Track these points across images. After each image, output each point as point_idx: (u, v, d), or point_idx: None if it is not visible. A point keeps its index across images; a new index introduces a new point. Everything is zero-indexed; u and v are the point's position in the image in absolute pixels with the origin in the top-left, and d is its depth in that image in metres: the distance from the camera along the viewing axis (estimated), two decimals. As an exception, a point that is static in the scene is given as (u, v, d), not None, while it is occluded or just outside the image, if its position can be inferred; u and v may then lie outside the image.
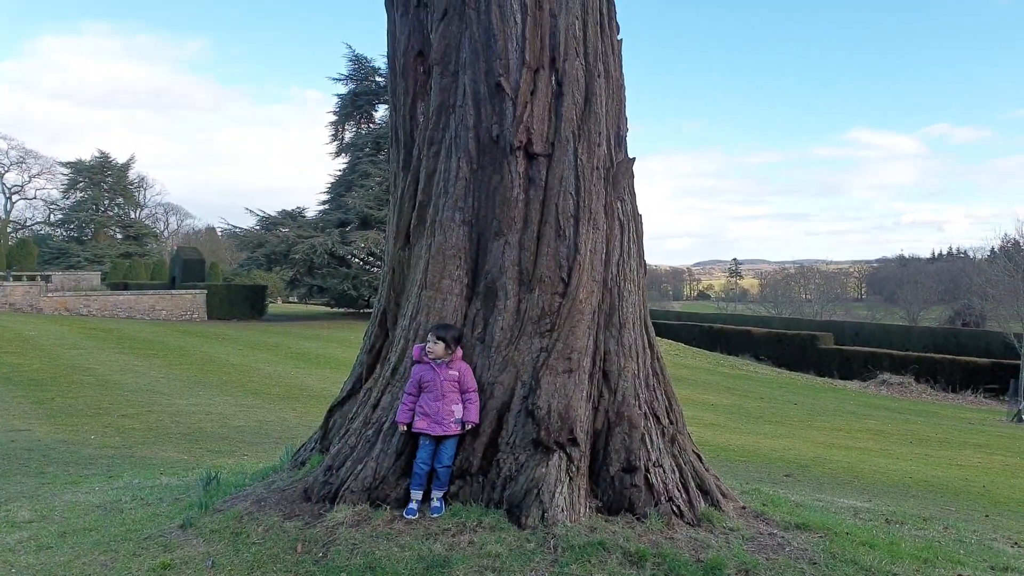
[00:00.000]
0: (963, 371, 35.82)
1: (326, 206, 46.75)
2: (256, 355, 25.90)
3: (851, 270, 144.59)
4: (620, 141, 5.94)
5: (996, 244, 52.72)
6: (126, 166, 74.20)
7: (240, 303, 44.27)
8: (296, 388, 19.02)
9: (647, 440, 5.33)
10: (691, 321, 59.12)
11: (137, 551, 4.85)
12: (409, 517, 4.93)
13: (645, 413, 5.43)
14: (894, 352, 40.52)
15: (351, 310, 46.34)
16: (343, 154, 47.00)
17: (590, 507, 5.13)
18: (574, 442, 5.09)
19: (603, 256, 5.55)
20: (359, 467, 5.21)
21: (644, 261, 5.98)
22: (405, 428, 5.14)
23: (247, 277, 50.87)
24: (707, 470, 5.77)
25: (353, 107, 46.21)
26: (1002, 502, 10.23)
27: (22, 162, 74.49)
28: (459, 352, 5.24)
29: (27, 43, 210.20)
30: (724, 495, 5.69)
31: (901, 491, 10.45)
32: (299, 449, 6.41)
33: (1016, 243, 46.18)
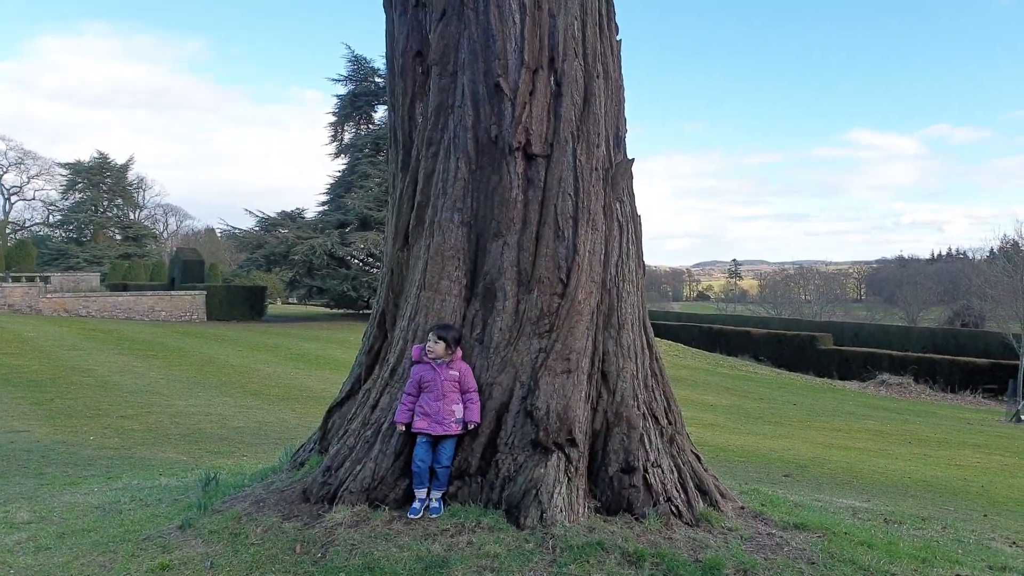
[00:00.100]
0: (962, 371, 35.83)
1: (325, 207, 46.77)
2: (255, 356, 25.90)
3: (850, 271, 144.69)
4: (619, 142, 5.94)
5: (995, 245, 52.84)
6: (125, 167, 74.16)
7: (239, 304, 44.26)
8: (295, 389, 19.02)
9: (646, 440, 5.33)
10: (690, 322, 59.15)
11: (136, 552, 4.85)
12: (413, 516, 4.93)
13: (644, 414, 5.44)
14: (893, 352, 40.54)
15: (350, 311, 46.34)
16: (342, 155, 47.03)
17: (589, 507, 5.14)
18: (573, 443, 5.10)
19: (602, 257, 5.55)
20: (358, 468, 5.21)
21: (643, 262, 5.99)
22: (404, 428, 5.14)
23: (246, 278, 50.88)
24: (706, 470, 5.77)
25: (352, 108, 46.22)
26: (1000, 502, 10.24)
27: (21, 163, 74.58)
28: (459, 352, 5.25)
29: (26, 43, 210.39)
30: (723, 495, 5.70)
31: (900, 491, 10.46)
32: (298, 450, 6.41)
33: (1015, 244, 46.25)
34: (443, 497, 5.10)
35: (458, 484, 5.14)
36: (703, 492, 5.53)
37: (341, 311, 47.54)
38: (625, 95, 6.11)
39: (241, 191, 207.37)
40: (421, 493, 5.06)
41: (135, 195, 78.85)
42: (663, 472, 5.33)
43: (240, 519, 5.14)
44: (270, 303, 53.54)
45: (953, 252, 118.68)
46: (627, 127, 6.08)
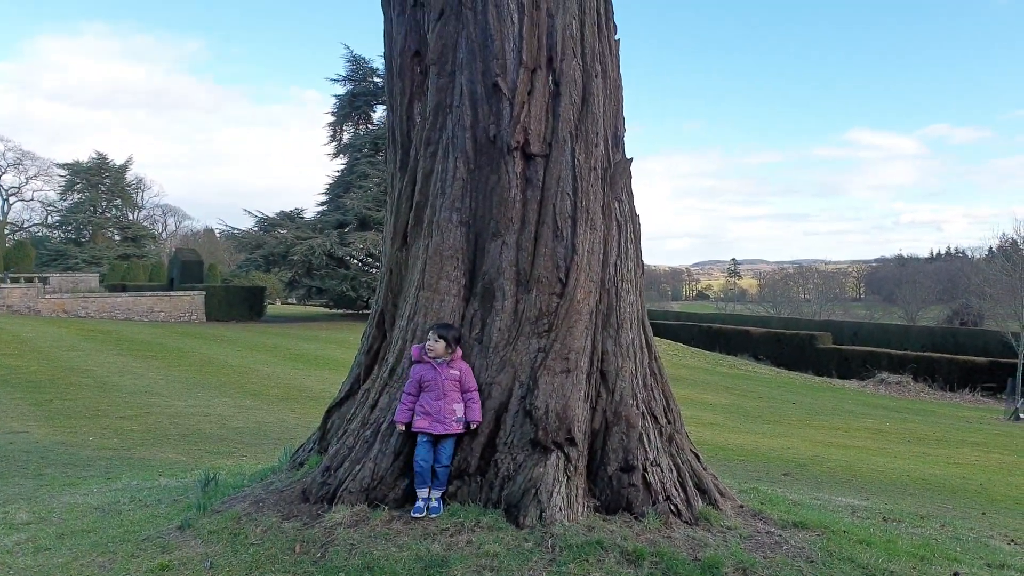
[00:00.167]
0: (961, 370, 35.88)
1: (324, 207, 46.77)
2: (255, 356, 25.90)
3: (850, 270, 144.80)
4: (618, 141, 5.95)
5: (994, 244, 52.94)
6: (124, 167, 74.14)
7: (238, 304, 44.24)
8: (295, 389, 19.02)
9: (645, 439, 5.34)
10: (690, 321, 59.16)
11: (135, 552, 4.86)
12: (417, 516, 4.93)
13: (643, 413, 5.44)
14: (892, 351, 40.58)
15: (350, 311, 46.34)
16: (341, 155, 47.03)
17: (588, 506, 5.14)
18: (572, 442, 5.10)
19: (601, 256, 5.56)
20: (357, 467, 5.22)
21: (642, 261, 5.99)
22: (404, 428, 5.14)
23: (245, 278, 50.87)
24: (705, 469, 5.78)
25: (351, 108, 46.23)
26: (999, 500, 10.25)
27: (19, 163, 74.53)
28: (459, 352, 5.25)
29: (25, 43, 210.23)
30: (722, 494, 5.70)
31: (899, 489, 10.47)
32: (297, 450, 6.41)
33: (1014, 243, 46.30)
34: (442, 497, 5.10)
35: (457, 483, 5.14)
36: (702, 491, 5.53)
37: (340, 311, 47.54)
38: (623, 94, 6.12)
39: (240, 191, 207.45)
40: (423, 493, 5.06)
41: (134, 195, 78.84)
42: (662, 471, 5.34)
43: (239, 519, 5.15)
44: (269, 303, 53.50)
45: (952, 251, 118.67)
46: (626, 126, 6.09)
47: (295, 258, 41.96)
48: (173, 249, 70.83)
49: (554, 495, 4.93)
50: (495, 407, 5.21)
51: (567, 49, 5.55)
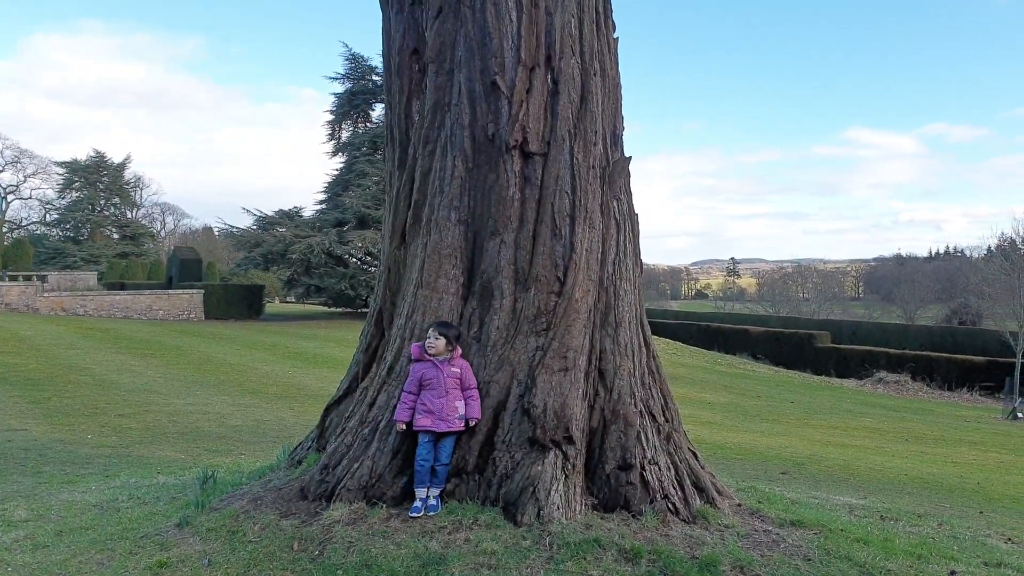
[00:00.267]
0: (959, 369, 35.93)
1: (323, 206, 46.75)
2: (253, 355, 25.90)
3: (849, 269, 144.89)
4: (616, 140, 5.95)
5: (993, 243, 52.97)
6: (122, 166, 74.12)
7: (237, 303, 44.24)
8: (293, 387, 19.02)
9: (643, 438, 5.34)
10: (689, 320, 59.18)
11: (134, 550, 4.86)
12: (415, 516, 4.92)
13: (641, 411, 5.45)
14: (891, 350, 40.62)
15: (348, 310, 46.34)
16: (340, 153, 47.01)
17: (586, 505, 5.14)
18: (570, 440, 5.10)
19: (599, 255, 5.56)
20: (355, 465, 5.22)
21: (640, 260, 6.00)
22: (404, 427, 5.13)
23: (244, 277, 50.86)
24: (703, 467, 5.79)
25: (350, 106, 46.21)
26: (996, 499, 10.27)
27: (17, 161, 74.37)
28: (459, 350, 5.25)
29: (23, 42, 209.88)
30: (720, 492, 5.71)
31: (896, 488, 10.49)
32: (296, 448, 6.41)
33: (1013, 242, 46.35)
34: (440, 495, 5.11)
35: (455, 482, 5.15)
36: (700, 489, 5.54)
37: (339, 310, 47.54)
38: (622, 93, 6.12)
39: (239, 190, 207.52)
40: (422, 492, 5.05)
41: (132, 194, 78.87)
42: (660, 469, 5.34)
43: (238, 517, 5.15)
44: (268, 302, 53.49)
45: (951, 250, 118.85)
46: (624, 125, 6.09)
47: (294, 256, 41.93)
48: (172, 247, 70.81)
49: (552, 493, 4.93)
50: (493, 405, 5.21)
51: (566, 47, 5.55)
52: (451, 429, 5.09)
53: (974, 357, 37.31)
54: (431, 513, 4.96)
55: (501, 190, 5.40)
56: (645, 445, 5.34)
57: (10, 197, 76.34)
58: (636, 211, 5.98)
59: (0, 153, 74.45)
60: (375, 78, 45.16)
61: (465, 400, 5.14)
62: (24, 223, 77.47)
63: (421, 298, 5.47)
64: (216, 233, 72.05)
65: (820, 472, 11.54)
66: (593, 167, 5.58)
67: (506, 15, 5.47)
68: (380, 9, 6.24)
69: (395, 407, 5.28)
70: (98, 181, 71.49)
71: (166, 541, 4.95)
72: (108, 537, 5.14)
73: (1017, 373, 32.59)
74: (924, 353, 39.14)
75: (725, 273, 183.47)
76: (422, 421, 5.08)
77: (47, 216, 75.99)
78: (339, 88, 46.91)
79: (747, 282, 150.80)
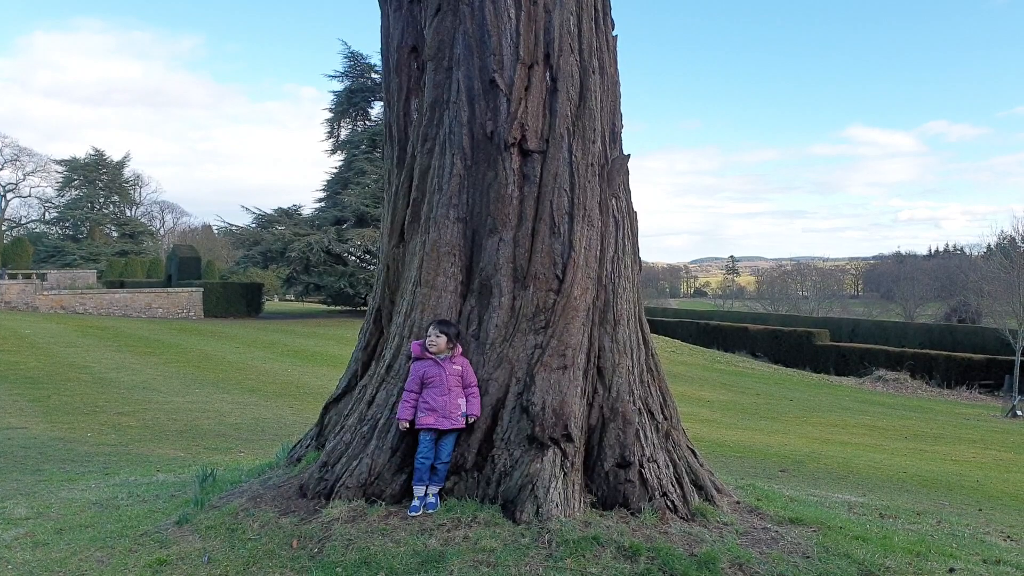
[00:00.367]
0: (958, 367, 35.96)
1: (322, 204, 46.77)
2: (253, 353, 25.90)
3: (848, 267, 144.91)
4: (615, 138, 5.95)
5: (992, 241, 52.99)
6: (121, 164, 74.15)
7: (236, 301, 44.25)
8: (292, 385, 19.03)
9: (641, 436, 5.34)
10: (688, 318, 59.15)
11: (133, 547, 4.87)
12: (413, 514, 4.93)
13: (639, 409, 5.45)
14: (890, 348, 40.66)
15: (347, 308, 46.39)
16: (339, 151, 47.03)
17: (584, 502, 5.15)
18: (568, 438, 5.11)
19: (598, 253, 5.56)
20: (354, 463, 5.22)
21: (639, 258, 6.00)
22: (408, 425, 5.11)
23: (243, 275, 50.88)
24: (701, 465, 5.79)
25: (349, 104, 46.21)
26: (995, 496, 10.29)
27: (16, 160, 74.28)
28: (459, 347, 5.25)
29: (20, 40, 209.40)
30: (718, 490, 5.71)
31: (895, 486, 10.50)
32: (295, 446, 6.42)
33: (1012, 240, 46.38)
34: (439, 492, 5.11)
35: (454, 479, 5.15)
36: (699, 487, 5.54)
37: (338, 308, 47.59)
38: (621, 91, 6.12)
39: (238, 188, 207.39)
40: (420, 491, 5.05)
41: (131, 192, 78.88)
42: (659, 467, 5.35)
43: (237, 514, 5.16)
44: (267, 300, 53.56)
45: (950, 248, 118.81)
46: (623, 123, 6.09)
47: (293, 255, 41.95)
48: (171, 245, 70.75)
49: (551, 491, 4.94)
50: (492, 403, 5.21)
51: (564, 45, 5.55)
52: (454, 426, 5.09)
53: (973, 355, 37.35)
54: (430, 511, 4.96)
55: (500, 188, 5.40)
56: (644, 443, 5.34)
57: (9, 195, 76.28)
58: (635, 209, 5.98)
59: (-1, 151, 74.44)
60: (374, 76, 45.14)
61: (466, 397, 5.15)
62: (23, 221, 77.47)
63: (420, 296, 5.47)
64: (215, 231, 72.05)
65: (819, 470, 11.55)
66: (592, 165, 5.58)
67: (505, 12, 5.47)
68: (379, 7, 6.23)
69: (394, 405, 5.28)
70: (97, 179, 71.52)
71: (166, 539, 4.95)
72: (108, 535, 5.15)
73: (1016, 371, 32.61)
74: (923, 351, 39.16)
75: (724, 271, 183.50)
76: (425, 419, 5.07)
77: (46, 214, 76.01)
78: (338, 86, 47.02)
79: (746, 280, 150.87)
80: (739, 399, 24.90)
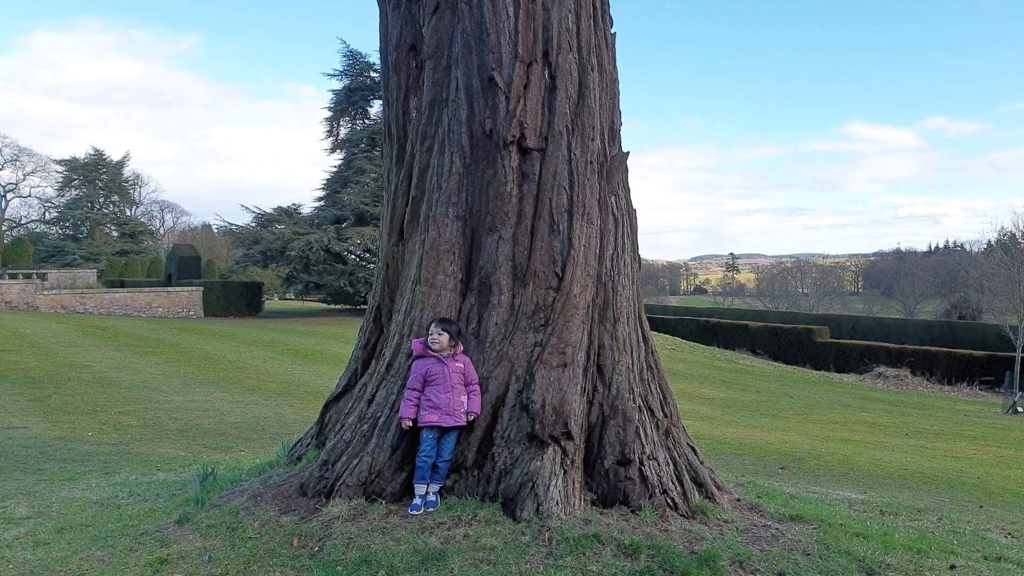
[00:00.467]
0: (959, 364, 35.95)
1: (322, 202, 46.78)
2: (253, 352, 25.90)
3: (848, 264, 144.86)
4: (614, 135, 5.95)
5: (992, 237, 52.97)
6: (121, 163, 74.16)
7: (236, 300, 44.27)
8: (293, 384, 19.03)
9: (641, 433, 5.34)
10: (688, 315, 59.14)
11: (134, 546, 4.87)
12: (415, 513, 4.93)
13: (639, 406, 5.45)
14: (890, 345, 40.64)
15: (347, 306, 46.39)
16: (338, 150, 47.03)
17: (585, 500, 5.15)
18: (568, 436, 5.11)
19: (597, 251, 5.56)
20: (355, 462, 5.23)
21: (638, 255, 5.99)
22: (411, 424, 5.10)
23: (243, 274, 50.91)
24: (702, 463, 5.79)
25: (348, 103, 46.21)
26: (996, 493, 10.29)
27: (16, 159, 74.22)
28: (460, 345, 5.25)
29: (20, 40, 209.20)
30: (719, 487, 5.72)
31: (896, 483, 10.50)
32: (295, 444, 6.42)
33: (1012, 236, 46.33)
34: (440, 491, 5.11)
35: (454, 477, 5.16)
36: (699, 484, 5.54)
37: (338, 306, 47.60)
38: (620, 88, 6.11)
39: (238, 187, 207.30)
40: (422, 489, 5.05)
41: (131, 191, 78.89)
42: (659, 465, 5.35)
43: (238, 513, 5.16)
44: (267, 299, 53.55)
45: (950, 245, 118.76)
46: (622, 120, 6.09)
47: (292, 253, 41.96)
48: (171, 245, 70.77)
49: (551, 489, 4.94)
50: (492, 401, 5.22)
51: (563, 43, 5.54)
52: (457, 424, 5.09)
53: (974, 351, 37.32)
54: (431, 509, 4.96)
55: (499, 186, 5.40)
56: (644, 440, 5.34)
57: (9, 195, 76.25)
58: (634, 206, 5.98)
59: (-1, 151, 74.39)
60: (373, 75, 45.13)
61: (467, 395, 5.15)
62: (23, 221, 77.44)
63: (420, 294, 5.47)
64: (215, 230, 71.97)
65: (819, 467, 11.56)
66: (591, 162, 5.58)
67: (503, 10, 5.46)
68: (377, 5, 6.23)
69: (394, 403, 5.28)
70: (97, 179, 71.54)
71: (166, 538, 4.95)
72: (108, 534, 5.15)
73: (1017, 367, 32.62)
74: (924, 348, 39.17)
75: (724, 268, 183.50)
76: (429, 417, 5.07)
77: (46, 214, 75.99)
78: (337, 85, 47.05)
79: (746, 277, 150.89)
80: (739, 396, 24.90)
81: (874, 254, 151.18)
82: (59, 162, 71.67)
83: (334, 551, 4.51)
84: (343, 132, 47.27)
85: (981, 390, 33.27)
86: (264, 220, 45.72)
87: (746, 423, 18.22)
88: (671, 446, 5.58)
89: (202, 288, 43.26)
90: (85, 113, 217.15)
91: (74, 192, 71.46)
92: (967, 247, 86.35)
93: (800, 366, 39.01)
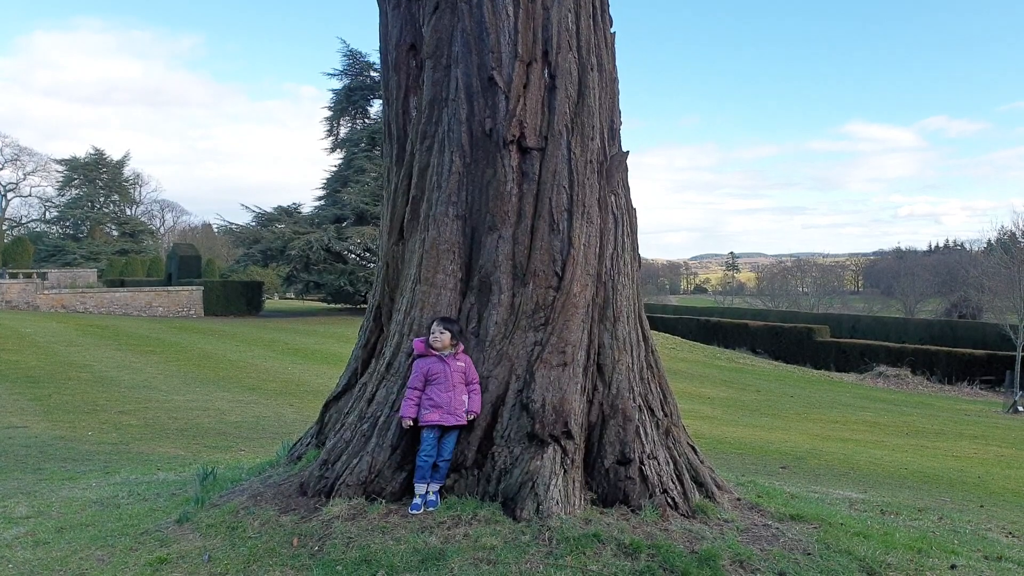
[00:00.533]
0: (959, 363, 35.93)
1: (322, 202, 46.78)
2: (253, 351, 25.90)
3: (848, 263, 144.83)
4: (613, 135, 5.94)
5: (993, 236, 52.95)
6: (121, 163, 74.19)
7: (236, 299, 44.28)
8: (293, 383, 19.03)
9: (641, 432, 5.34)
10: (688, 315, 59.11)
11: (134, 546, 4.86)
12: (415, 512, 4.92)
13: (639, 406, 5.45)
14: (890, 344, 40.62)
15: (347, 306, 46.39)
16: (338, 149, 47.03)
17: (585, 499, 5.15)
18: (568, 435, 5.11)
19: (597, 250, 5.55)
20: (355, 461, 5.22)
21: (638, 255, 5.99)
22: (412, 423, 5.09)
23: (243, 273, 50.91)
24: (702, 462, 5.78)
25: (348, 102, 46.21)
26: (997, 492, 10.28)
27: (16, 159, 74.29)
28: (461, 344, 5.24)
29: (20, 40, 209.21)
30: (719, 487, 5.71)
31: (896, 482, 10.50)
32: (295, 444, 6.42)
33: (1012, 235, 46.31)
34: (439, 490, 5.10)
35: (454, 477, 5.15)
36: (699, 484, 5.54)
37: (338, 306, 47.60)
38: (619, 88, 6.11)
39: (238, 187, 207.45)
40: (422, 488, 5.04)
41: (131, 191, 78.93)
42: (659, 464, 5.35)
43: (238, 513, 5.15)
44: (267, 298, 53.58)
45: (950, 244, 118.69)
46: (622, 120, 6.08)
47: (293, 253, 41.97)
48: (171, 244, 70.80)
49: (551, 488, 4.93)
50: (492, 400, 5.21)
51: (563, 42, 5.54)
52: (458, 423, 5.09)
53: (974, 351, 37.29)
54: (430, 508, 4.96)
55: (499, 185, 5.40)
56: (644, 440, 5.34)
57: (10, 195, 76.28)
58: (634, 205, 5.98)
59: (0, 151, 74.40)
60: (373, 74, 45.13)
61: (468, 394, 5.14)
62: (24, 221, 77.44)
63: (420, 294, 5.46)
64: (215, 230, 72.03)
65: (820, 466, 11.55)
66: (590, 162, 5.57)
67: (503, 10, 5.46)
68: (377, 5, 6.22)
69: (394, 402, 5.28)
70: (97, 178, 71.56)
71: (166, 537, 4.95)
72: (108, 533, 5.15)
73: (1017, 367, 32.61)
74: (924, 347, 39.15)
75: (724, 267, 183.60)
76: (430, 416, 5.06)
77: (47, 213, 76.01)
78: (337, 84, 47.05)
79: (746, 276, 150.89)
80: (739, 396, 24.90)
81: (874, 253, 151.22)
82: (59, 162, 71.78)
83: (334, 550, 4.51)
84: (343, 131, 47.28)
85: (981, 389, 33.26)
86: (264, 219, 45.72)
87: (746, 422, 18.21)
88: (671, 445, 5.58)
89: (202, 287, 43.27)
90: (85, 113, 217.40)
91: (74, 192, 71.49)
92: (967, 246, 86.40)
93: (800, 365, 39.01)
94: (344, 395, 6.04)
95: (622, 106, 6.12)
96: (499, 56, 5.44)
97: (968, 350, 37.58)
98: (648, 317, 6.10)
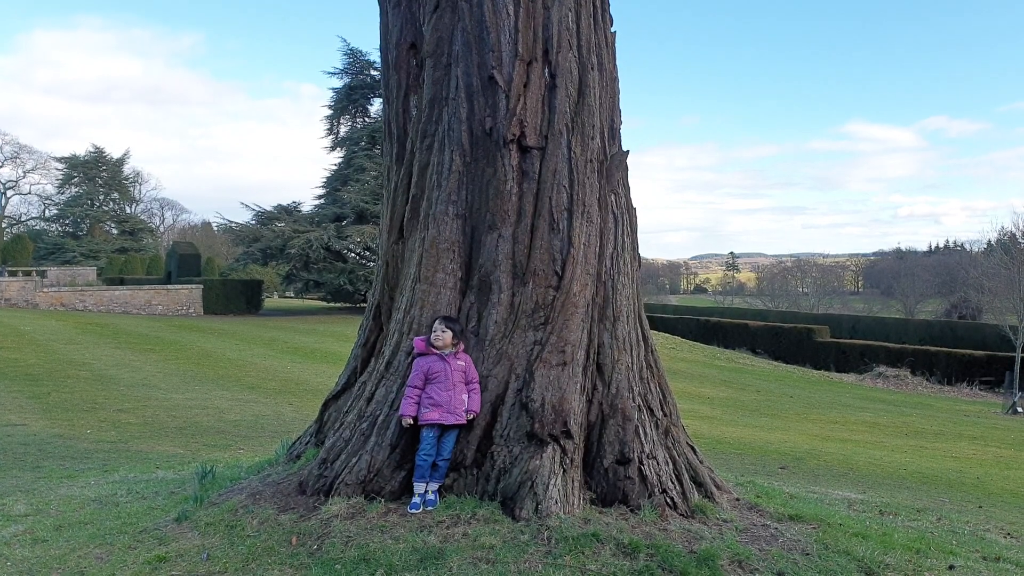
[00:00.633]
0: (959, 364, 35.93)
1: (322, 200, 46.75)
2: (252, 350, 25.90)
3: (848, 263, 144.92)
4: (614, 134, 5.94)
5: (993, 237, 52.97)
6: (121, 161, 74.16)
7: (236, 298, 44.28)
8: (292, 382, 19.03)
9: (641, 432, 5.34)
10: (688, 315, 59.12)
11: (133, 544, 4.86)
12: (414, 511, 4.92)
13: (639, 405, 5.45)
14: (890, 345, 40.63)
15: (347, 304, 46.39)
16: (339, 148, 47.00)
17: (584, 499, 5.15)
18: (568, 434, 5.10)
19: (597, 249, 5.55)
20: (354, 460, 5.22)
21: (638, 254, 5.99)
22: (412, 421, 5.09)
23: (243, 272, 50.90)
24: (701, 462, 5.78)
25: (348, 101, 46.19)
26: (996, 493, 10.29)
27: (16, 157, 74.23)
28: (462, 343, 5.24)
29: (20, 38, 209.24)
30: (718, 487, 5.71)
31: (895, 483, 10.50)
32: (294, 443, 6.42)
33: (1012, 236, 46.31)
34: (439, 489, 5.10)
35: (454, 476, 5.15)
36: (698, 484, 5.54)
37: (338, 304, 47.59)
38: (620, 87, 6.10)
39: (237, 185, 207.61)
40: (421, 487, 5.04)
41: (131, 189, 78.92)
42: (658, 464, 5.35)
43: (236, 511, 5.15)
44: (267, 297, 53.59)
45: (950, 244, 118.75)
46: (622, 119, 6.08)
47: (292, 251, 41.94)
48: (171, 243, 70.76)
49: (550, 487, 4.93)
50: (491, 400, 5.21)
51: (563, 41, 5.54)
52: (458, 422, 5.08)
53: (974, 351, 37.30)
54: (429, 508, 4.96)
55: (499, 184, 5.40)
56: (643, 439, 5.34)
57: (9, 192, 76.21)
58: (634, 205, 5.98)
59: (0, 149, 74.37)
60: (373, 73, 45.11)
61: (468, 392, 5.14)
62: (23, 218, 77.41)
63: (419, 292, 5.46)
64: (215, 228, 72.12)
65: (819, 467, 11.55)
66: (591, 161, 5.57)
67: (503, 9, 5.46)
68: (378, 4, 6.22)
69: (394, 401, 5.28)
70: (97, 176, 71.54)
71: (165, 536, 4.95)
72: (107, 532, 5.14)
73: (1017, 367, 32.63)
74: (924, 347, 39.16)
75: (724, 267, 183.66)
76: (430, 415, 5.06)
77: (46, 211, 75.97)
78: (337, 83, 46.98)
79: (746, 276, 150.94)
80: (739, 396, 24.90)
81: (874, 254, 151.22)
82: (59, 159, 71.75)
83: (333, 549, 4.50)
84: (343, 130, 47.25)
85: (981, 390, 33.27)
86: (264, 218, 45.71)
87: (746, 422, 18.22)
88: (670, 445, 5.58)
89: (202, 286, 43.27)
90: (85, 111, 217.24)
91: (74, 189, 71.45)
92: (967, 247, 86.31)
93: (800, 365, 39.01)
94: (343, 394, 6.04)
95: (622, 105, 6.13)
96: (499, 55, 5.43)
97: (968, 351, 37.59)
98: (648, 317, 6.10)
